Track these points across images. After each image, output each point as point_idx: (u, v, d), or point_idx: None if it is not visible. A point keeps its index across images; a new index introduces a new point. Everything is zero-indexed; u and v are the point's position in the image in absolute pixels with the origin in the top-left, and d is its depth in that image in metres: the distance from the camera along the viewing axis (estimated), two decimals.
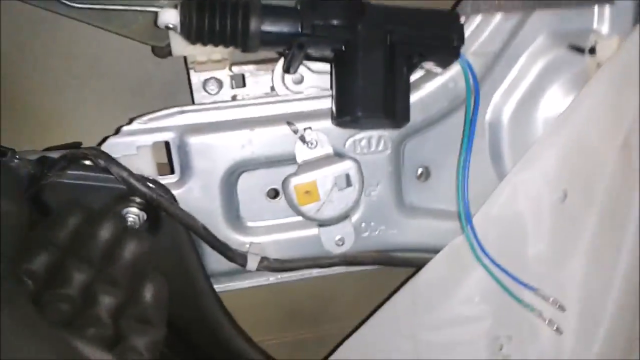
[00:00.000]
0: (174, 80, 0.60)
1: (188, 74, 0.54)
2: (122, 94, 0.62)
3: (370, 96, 0.46)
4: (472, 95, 0.51)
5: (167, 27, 0.47)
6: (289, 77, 0.53)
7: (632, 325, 0.50)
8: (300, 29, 0.46)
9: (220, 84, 0.54)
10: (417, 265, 0.54)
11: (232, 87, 0.54)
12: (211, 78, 0.54)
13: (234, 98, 0.54)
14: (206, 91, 0.54)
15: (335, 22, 0.46)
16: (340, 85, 0.48)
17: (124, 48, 0.58)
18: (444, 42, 0.48)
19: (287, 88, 0.53)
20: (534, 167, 0.51)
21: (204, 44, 0.48)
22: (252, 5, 0.46)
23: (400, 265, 0.56)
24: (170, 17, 0.46)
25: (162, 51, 0.55)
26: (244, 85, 0.55)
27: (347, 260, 0.54)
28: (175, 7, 0.46)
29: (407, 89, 0.48)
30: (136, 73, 0.61)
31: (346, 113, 0.47)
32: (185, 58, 0.53)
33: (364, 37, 0.46)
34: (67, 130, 0.63)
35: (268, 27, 0.46)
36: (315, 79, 0.53)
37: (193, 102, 0.54)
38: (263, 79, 0.54)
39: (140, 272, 0.39)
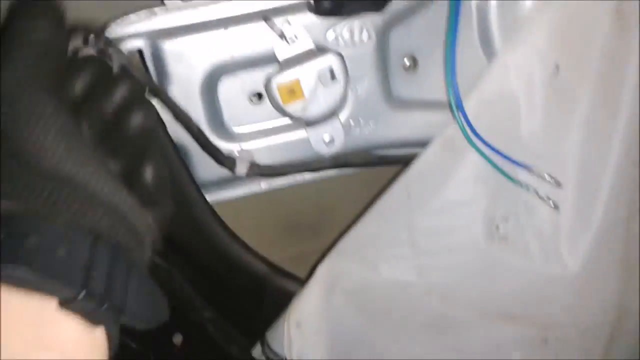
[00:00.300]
0: None
1: None
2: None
3: None
4: None
5: None
6: None
7: (632, 197, 0.49)
8: None
9: None
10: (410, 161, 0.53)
11: None
12: None
13: None
14: None
15: None
16: None
17: None
18: None
19: None
20: (524, 43, 0.48)
21: None
22: None
23: (393, 164, 0.55)
24: None
25: None
26: None
27: (338, 162, 0.53)
28: None
29: None
30: None
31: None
32: None
33: None
34: None
35: None
36: None
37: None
38: None
39: (141, 148, 0.38)
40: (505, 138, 0.48)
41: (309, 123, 0.52)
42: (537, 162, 0.47)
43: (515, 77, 0.48)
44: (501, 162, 0.48)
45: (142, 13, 0.48)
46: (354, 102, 0.52)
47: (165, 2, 0.50)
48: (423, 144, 0.52)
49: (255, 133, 0.53)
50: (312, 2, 0.47)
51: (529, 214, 0.47)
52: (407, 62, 0.54)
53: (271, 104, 0.51)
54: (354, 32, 0.51)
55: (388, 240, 0.49)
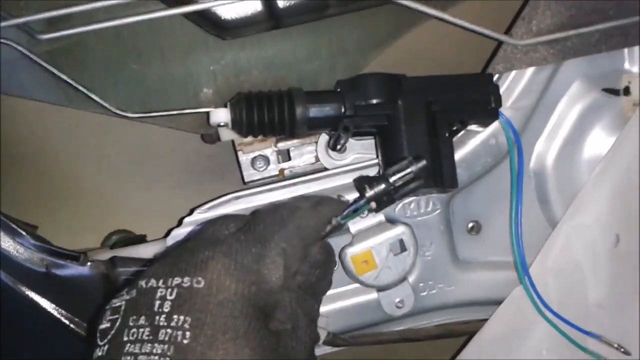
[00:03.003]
0: (222, 157, 0.63)
1: (235, 151, 0.57)
2: (175, 174, 0.65)
3: None
4: (515, 150, 0.52)
5: (219, 125, 0.49)
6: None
7: None
8: (343, 111, 0.48)
9: (267, 160, 0.57)
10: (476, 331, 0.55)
11: (279, 162, 0.57)
12: (258, 156, 0.57)
13: (281, 172, 0.57)
14: (255, 169, 0.57)
15: (375, 100, 0.48)
16: (386, 158, 0.50)
17: (174, 132, 0.61)
18: (482, 105, 0.50)
19: (331, 158, 0.55)
20: (585, 212, 0.51)
21: (255, 136, 0.50)
22: (296, 95, 0.48)
23: (460, 335, 0.57)
24: (221, 116, 0.49)
25: (211, 137, 0.58)
26: (289, 158, 0.57)
27: (406, 336, 0.55)
28: (225, 106, 0.49)
29: (452, 155, 0.49)
30: (187, 153, 0.64)
31: None
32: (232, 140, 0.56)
33: (405, 110, 0.48)
34: (127, 212, 0.66)
35: (313, 114, 0.48)
36: (358, 147, 0.55)
37: (242, 179, 0.57)
38: (307, 150, 0.57)
39: None
40: (573, 305, 0.50)
41: (380, 289, 0.55)
42: (605, 330, 0.49)
43: (578, 246, 0.51)
44: (570, 330, 0.49)
45: (229, 195, 0.53)
46: (422, 266, 0.55)
47: (245, 178, 0.56)
48: (491, 302, 0.55)
49: (328, 297, 0.55)
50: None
51: None
52: (470, 226, 0.57)
53: (345, 272, 0.54)
54: (421, 204, 0.54)
55: None
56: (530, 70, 0.53)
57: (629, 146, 0.52)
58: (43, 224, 0.58)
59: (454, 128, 0.49)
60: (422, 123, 0.48)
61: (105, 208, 0.66)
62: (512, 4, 0.54)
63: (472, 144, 0.54)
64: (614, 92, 0.54)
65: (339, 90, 0.49)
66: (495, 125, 0.53)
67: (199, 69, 0.56)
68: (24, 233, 0.51)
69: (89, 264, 0.51)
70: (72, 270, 0.51)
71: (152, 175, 0.66)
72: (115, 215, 0.66)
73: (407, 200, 0.54)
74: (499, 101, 0.50)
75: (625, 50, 0.54)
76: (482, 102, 0.50)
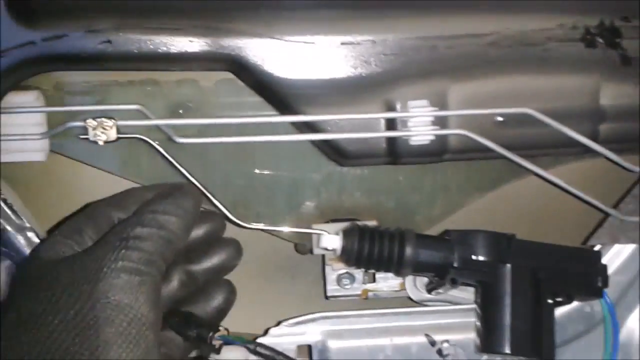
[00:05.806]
0: (298, 259, 0.63)
1: (323, 264, 0.57)
2: (247, 263, 0.66)
3: (518, 334, 0.47)
4: (610, 325, 0.52)
5: (326, 249, 0.51)
6: (420, 281, 0.56)
7: None
8: (451, 262, 0.49)
9: (353, 278, 0.57)
10: None
11: (364, 283, 0.57)
12: (346, 273, 0.57)
13: (364, 292, 0.57)
14: (339, 285, 0.57)
15: (484, 258, 0.49)
16: (486, 317, 0.50)
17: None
18: (588, 282, 0.50)
19: (419, 290, 0.56)
20: None
21: (358, 267, 0.51)
22: (408, 236, 0.50)
23: None
24: (333, 243, 0.50)
25: (304, 248, 0.59)
26: (374, 281, 0.58)
27: None
28: (337, 233, 0.50)
29: (553, 326, 0.49)
30: (264, 247, 0.65)
31: (493, 349, 0.49)
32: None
33: (512, 272, 0.49)
34: None
35: (422, 258, 0.49)
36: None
37: (325, 292, 0.57)
38: (393, 276, 0.57)
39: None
40: None
41: None
42: None
43: None
44: None
45: (317, 314, 0.54)
46: None
47: (328, 293, 0.56)
48: None
49: None
50: (480, 347, 0.51)
51: None
52: None
53: None
54: None
55: None
56: (632, 247, 0.54)
57: None
58: None
59: (559, 299, 0.49)
60: (527, 288, 0.48)
61: None
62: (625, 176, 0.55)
63: (566, 307, 0.54)
64: None
65: (447, 238, 0.50)
66: None
67: (305, 182, 0.59)
68: None
69: None
70: None
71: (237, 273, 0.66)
72: None
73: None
74: (605, 282, 0.50)
75: None
76: (589, 278, 0.50)
